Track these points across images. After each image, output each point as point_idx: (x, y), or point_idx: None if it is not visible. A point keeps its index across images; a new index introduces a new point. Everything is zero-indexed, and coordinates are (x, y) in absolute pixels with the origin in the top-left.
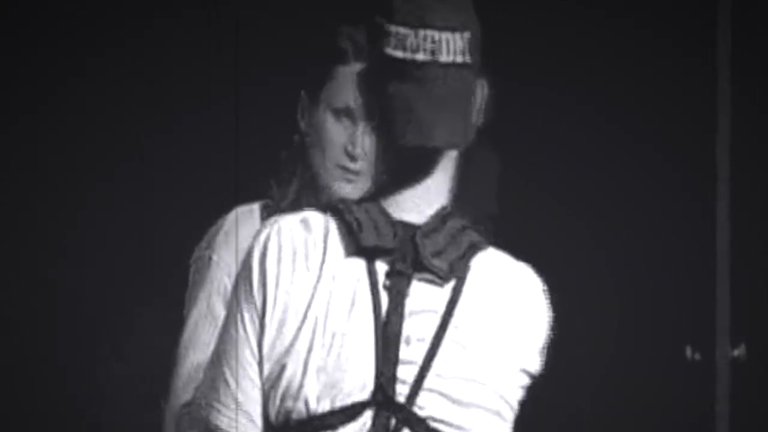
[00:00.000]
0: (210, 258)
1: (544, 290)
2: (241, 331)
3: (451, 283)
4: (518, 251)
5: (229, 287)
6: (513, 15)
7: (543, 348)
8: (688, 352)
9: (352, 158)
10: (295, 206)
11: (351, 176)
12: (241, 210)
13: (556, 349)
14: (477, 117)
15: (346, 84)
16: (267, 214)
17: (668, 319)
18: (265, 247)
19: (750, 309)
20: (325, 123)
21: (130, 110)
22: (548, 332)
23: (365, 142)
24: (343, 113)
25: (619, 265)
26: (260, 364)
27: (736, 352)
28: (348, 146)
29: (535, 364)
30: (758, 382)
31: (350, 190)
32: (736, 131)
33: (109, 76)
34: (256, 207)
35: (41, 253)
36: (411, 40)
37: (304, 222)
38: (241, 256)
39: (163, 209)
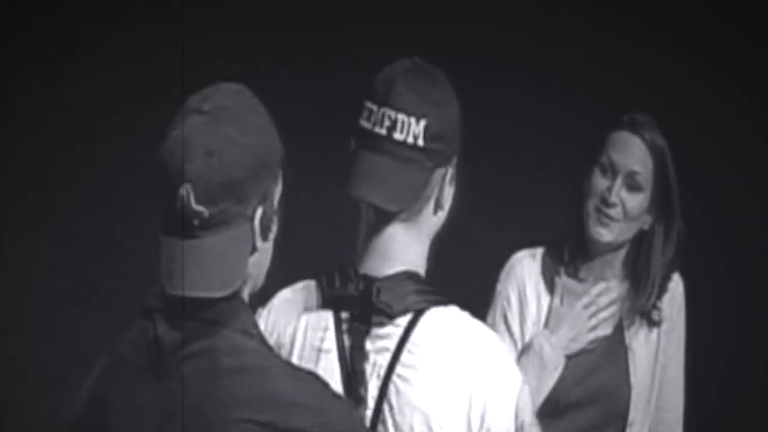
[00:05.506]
0: (496, 289)
1: (501, 352)
2: None
3: (404, 325)
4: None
5: (508, 312)
6: None
7: (509, 405)
8: None
9: None
10: None
11: None
12: (527, 252)
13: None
14: (438, 196)
15: None
16: (547, 257)
17: None
18: (270, 307)
19: None
20: None
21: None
22: (513, 390)
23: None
24: None
25: None
26: None
27: None
28: None
29: (499, 419)
30: None
31: None
32: None
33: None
34: (539, 252)
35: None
36: (375, 115)
37: (303, 288)
38: (521, 290)
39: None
